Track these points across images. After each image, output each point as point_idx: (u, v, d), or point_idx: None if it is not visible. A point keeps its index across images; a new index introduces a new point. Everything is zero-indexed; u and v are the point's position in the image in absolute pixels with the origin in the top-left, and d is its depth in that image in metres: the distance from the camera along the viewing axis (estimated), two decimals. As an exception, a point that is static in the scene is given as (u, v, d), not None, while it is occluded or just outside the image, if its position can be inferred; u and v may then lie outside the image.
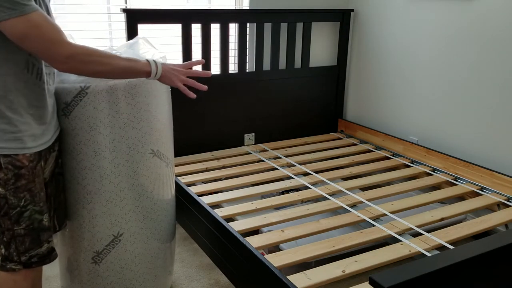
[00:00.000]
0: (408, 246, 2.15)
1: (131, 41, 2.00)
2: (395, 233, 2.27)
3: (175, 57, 3.18)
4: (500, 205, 2.64)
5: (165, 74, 1.69)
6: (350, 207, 2.55)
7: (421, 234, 2.28)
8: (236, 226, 2.26)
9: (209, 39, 3.16)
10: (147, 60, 1.66)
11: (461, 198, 2.81)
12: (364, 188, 2.87)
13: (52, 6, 2.89)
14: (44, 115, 1.57)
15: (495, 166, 2.86)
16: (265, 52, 3.46)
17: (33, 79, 1.50)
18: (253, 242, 2.11)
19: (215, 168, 3.07)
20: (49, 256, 1.62)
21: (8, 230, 1.52)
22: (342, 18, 3.69)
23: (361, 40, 3.71)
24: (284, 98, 3.62)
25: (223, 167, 3.10)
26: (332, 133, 3.89)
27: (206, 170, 3.04)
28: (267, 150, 3.43)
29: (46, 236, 1.60)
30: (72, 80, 1.74)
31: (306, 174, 3.00)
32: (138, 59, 1.64)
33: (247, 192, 2.71)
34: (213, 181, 2.90)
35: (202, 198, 2.57)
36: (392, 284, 1.22)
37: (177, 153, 3.22)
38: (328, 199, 2.64)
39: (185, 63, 1.79)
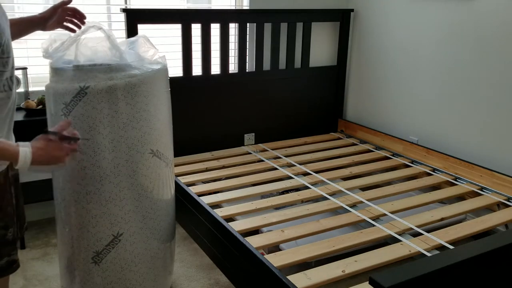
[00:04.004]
0: (408, 246, 2.15)
1: (132, 38, 2.00)
2: (395, 233, 2.26)
3: (175, 57, 3.18)
4: (500, 205, 2.63)
5: (41, 159, 1.39)
6: (350, 207, 2.55)
7: (421, 234, 2.27)
8: (236, 226, 2.26)
9: (209, 39, 3.16)
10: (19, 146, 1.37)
11: (461, 198, 2.81)
12: (364, 188, 2.87)
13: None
14: (10, 126, 1.52)
15: (495, 166, 2.85)
16: (265, 52, 3.46)
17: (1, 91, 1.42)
18: (253, 242, 2.11)
19: (215, 168, 3.06)
20: (8, 269, 1.57)
21: None
22: (342, 18, 3.69)
23: (361, 40, 3.71)
24: (284, 98, 3.62)
25: (223, 167, 3.09)
26: (332, 133, 3.89)
27: (206, 170, 3.03)
28: (267, 150, 3.43)
29: (8, 250, 1.55)
30: (72, 80, 1.74)
31: (306, 174, 3.00)
32: (9, 145, 1.35)
33: (247, 192, 2.70)
34: (213, 181, 2.90)
35: (202, 198, 2.57)
36: (392, 284, 1.22)
37: (177, 153, 3.22)
38: (328, 199, 2.63)
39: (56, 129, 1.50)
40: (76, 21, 1.85)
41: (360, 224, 2.44)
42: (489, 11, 2.77)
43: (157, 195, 1.98)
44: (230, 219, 2.45)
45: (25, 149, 1.35)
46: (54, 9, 1.80)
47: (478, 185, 2.82)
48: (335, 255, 2.16)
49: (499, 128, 2.81)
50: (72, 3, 1.83)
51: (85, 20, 1.86)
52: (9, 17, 1.52)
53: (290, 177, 2.92)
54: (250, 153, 3.36)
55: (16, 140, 2.30)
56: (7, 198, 1.54)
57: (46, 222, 3.06)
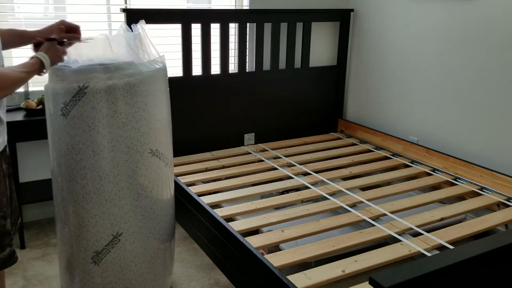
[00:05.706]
0: (408, 246, 2.15)
1: (131, 37, 1.99)
2: (395, 233, 2.26)
3: (175, 57, 3.18)
4: (500, 205, 2.63)
5: (53, 59, 1.63)
6: (350, 207, 2.54)
7: (421, 234, 2.27)
8: (236, 226, 2.26)
9: (209, 39, 3.16)
10: (35, 57, 1.57)
11: (461, 198, 2.81)
12: (364, 188, 2.87)
13: (52, 6, 2.89)
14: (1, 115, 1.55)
15: (495, 166, 2.85)
16: (265, 52, 3.46)
17: None
18: (253, 242, 2.11)
19: (215, 168, 3.06)
20: (10, 259, 1.61)
21: None
22: (342, 18, 3.69)
23: (361, 40, 3.71)
24: (284, 98, 3.61)
25: (223, 167, 3.09)
26: (332, 133, 3.88)
27: (206, 170, 3.03)
28: (267, 150, 3.43)
29: (8, 240, 1.59)
30: (71, 79, 1.74)
31: (306, 174, 2.99)
32: (26, 62, 1.55)
33: (247, 192, 2.70)
34: (213, 181, 2.89)
35: (202, 198, 2.57)
36: (392, 284, 1.22)
37: (177, 153, 3.21)
38: (328, 199, 2.63)
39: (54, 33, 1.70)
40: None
41: (360, 224, 2.44)
42: (489, 11, 2.76)
43: (157, 195, 1.98)
44: (230, 219, 2.45)
45: (44, 57, 1.57)
46: (51, 27, 1.78)
47: (478, 185, 2.82)
48: (335, 255, 2.15)
49: (499, 128, 2.81)
50: (72, 3, 1.83)
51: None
52: (10, 17, 1.53)
53: (290, 177, 2.91)
54: (250, 153, 3.36)
55: (15, 141, 2.32)
56: (2, 189, 1.56)
57: (46, 222, 3.06)
